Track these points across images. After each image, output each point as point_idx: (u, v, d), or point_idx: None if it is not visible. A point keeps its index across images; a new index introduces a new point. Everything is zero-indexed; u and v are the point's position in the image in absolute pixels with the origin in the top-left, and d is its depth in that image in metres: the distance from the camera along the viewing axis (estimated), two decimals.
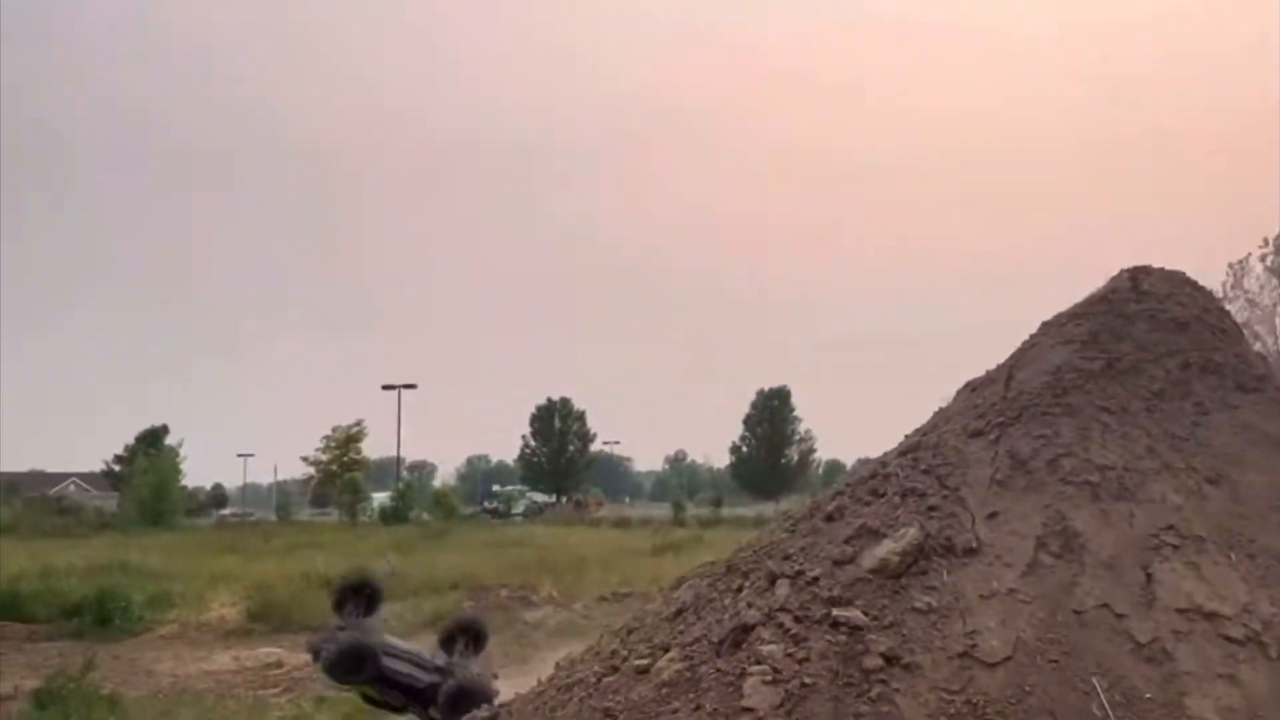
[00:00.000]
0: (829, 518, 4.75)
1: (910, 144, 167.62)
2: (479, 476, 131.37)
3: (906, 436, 5.38)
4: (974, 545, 4.28)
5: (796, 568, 4.41)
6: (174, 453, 56.65)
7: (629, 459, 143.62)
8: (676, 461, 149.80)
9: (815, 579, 4.28)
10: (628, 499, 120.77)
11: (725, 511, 59.63)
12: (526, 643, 14.72)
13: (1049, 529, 4.29)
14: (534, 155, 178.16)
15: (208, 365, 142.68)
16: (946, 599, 4.07)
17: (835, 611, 4.02)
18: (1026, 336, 5.58)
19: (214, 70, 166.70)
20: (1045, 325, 5.51)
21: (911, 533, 4.32)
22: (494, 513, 68.94)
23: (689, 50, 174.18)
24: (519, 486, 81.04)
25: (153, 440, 63.09)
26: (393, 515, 52.59)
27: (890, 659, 3.80)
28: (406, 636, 15.93)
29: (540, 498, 75.69)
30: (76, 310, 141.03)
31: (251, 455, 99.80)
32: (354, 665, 5.91)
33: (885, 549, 4.29)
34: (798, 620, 4.07)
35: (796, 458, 76.73)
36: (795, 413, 76.41)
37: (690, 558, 23.49)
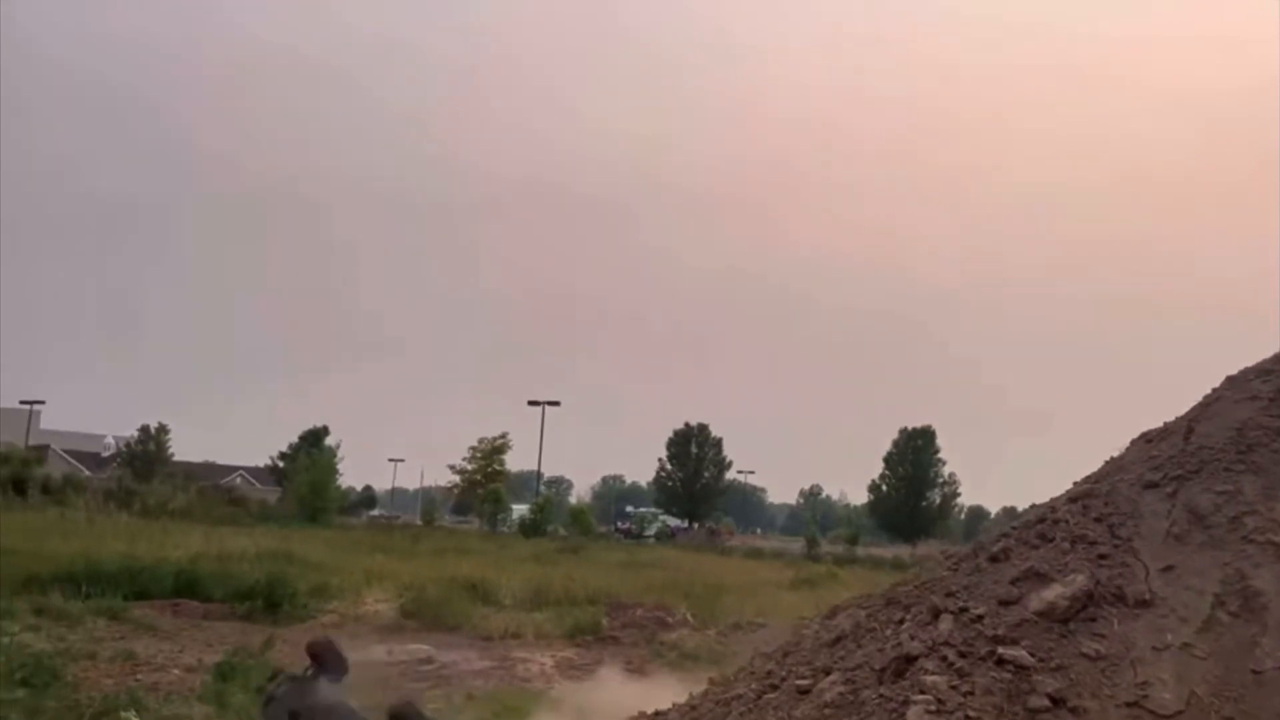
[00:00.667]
0: (994, 558, 4.82)
1: (1068, 174, 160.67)
2: (613, 496, 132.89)
3: (1076, 484, 5.37)
4: (1146, 597, 4.28)
5: (960, 604, 4.50)
6: (332, 453, 59.88)
7: (762, 489, 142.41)
8: (811, 496, 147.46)
9: (980, 616, 4.37)
10: (759, 530, 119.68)
11: (860, 550, 58.36)
12: (662, 662, 14.92)
13: (1228, 587, 4.24)
14: (685, 185, 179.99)
15: (368, 373, 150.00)
16: (1116, 647, 4.09)
17: (1001, 650, 4.10)
18: (1208, 391, 5.48)
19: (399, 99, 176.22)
20: (1230, 380, 5.40)
21: (1081, 579, 4.35)
22: (627, 533, 69.64)
23: (826, 86, 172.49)
24: (652, 509, 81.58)
25: (314, 440, 66.79)
26: (531, 528, 53.92)
27: (1057, 701, 3.85)
28: (549, 645, 16.48)
29: (673, 522, 75.97)
30: (249, 316, 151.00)
31: (401, 461, 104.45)
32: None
33: (1054, 593, 4.34)
34: (962, 655, 4.17)
35: (938, 501, 74.36)
36: (939, 455, 74.19)
37: (827, 594, 23.23)
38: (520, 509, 64.25)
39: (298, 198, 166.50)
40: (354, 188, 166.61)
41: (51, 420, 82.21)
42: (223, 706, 9.57)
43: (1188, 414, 5.37)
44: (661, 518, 75.66)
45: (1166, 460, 4.98)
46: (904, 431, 74.58)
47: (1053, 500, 5.23)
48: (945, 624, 4.40)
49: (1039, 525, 4.89)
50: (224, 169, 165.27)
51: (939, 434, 74.77)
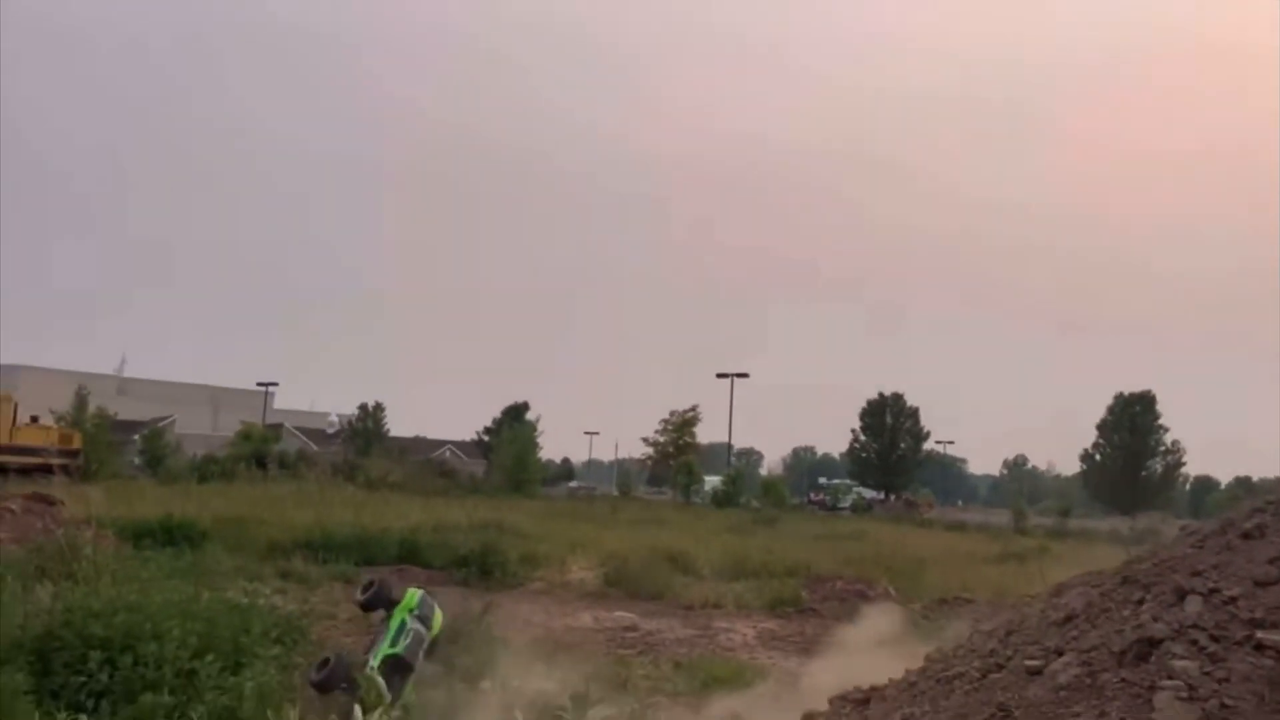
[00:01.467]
0: (1247, 535, 4.44)
1: None
2: (804, 468, 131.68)
3: None
4: None
5: (1210, 585, 4.19)
6: (533, 427, 62.49)
7: (963, 460, 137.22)
8: (1016, 466, 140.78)
9: (1233, 598, 4.05)
10: (960, 502, 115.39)
11: (1072, 523, 55.17)
12: (864, 636, 14.69)
13: None
14: (860, 149, 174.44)
15: (564, 348, 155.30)
16: None
17: (1260, 634, 3.79)
18: None
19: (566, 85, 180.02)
20: None
21: None
22: (820, 504, 68.90)
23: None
24: (846, 481, 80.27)
25: (516, 415, 69.91)
26: (724, 499, 54.31)
27: None
28: (748, 615, 16.57)
29: (868, 493, 74.49)
30: (450, 298, 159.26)
31: (597, 434, 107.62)
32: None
33: None
34: (1214, 639, 3.88)
35: (1160, 471, 69.17)
36: (1160, 421, 68.92)
37: (1037, 569, 22.16)
38: (712, 480, 64.84)
39: (498, 173, 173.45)
40: (544, 161, 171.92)
41: (283, 400, 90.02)
42: (449, 667, 10.22)
43: None
44: (856, 489, 74.34)
45: None
46: (1120, 397, 69.78)
47: None
48: (1193, 605, 4.10)
49: None
50: (430, 144, 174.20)
51: (1159, 400, 69.43)
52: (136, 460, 51.65)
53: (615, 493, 64.02)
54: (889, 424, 78.61)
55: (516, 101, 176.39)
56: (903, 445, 78.44)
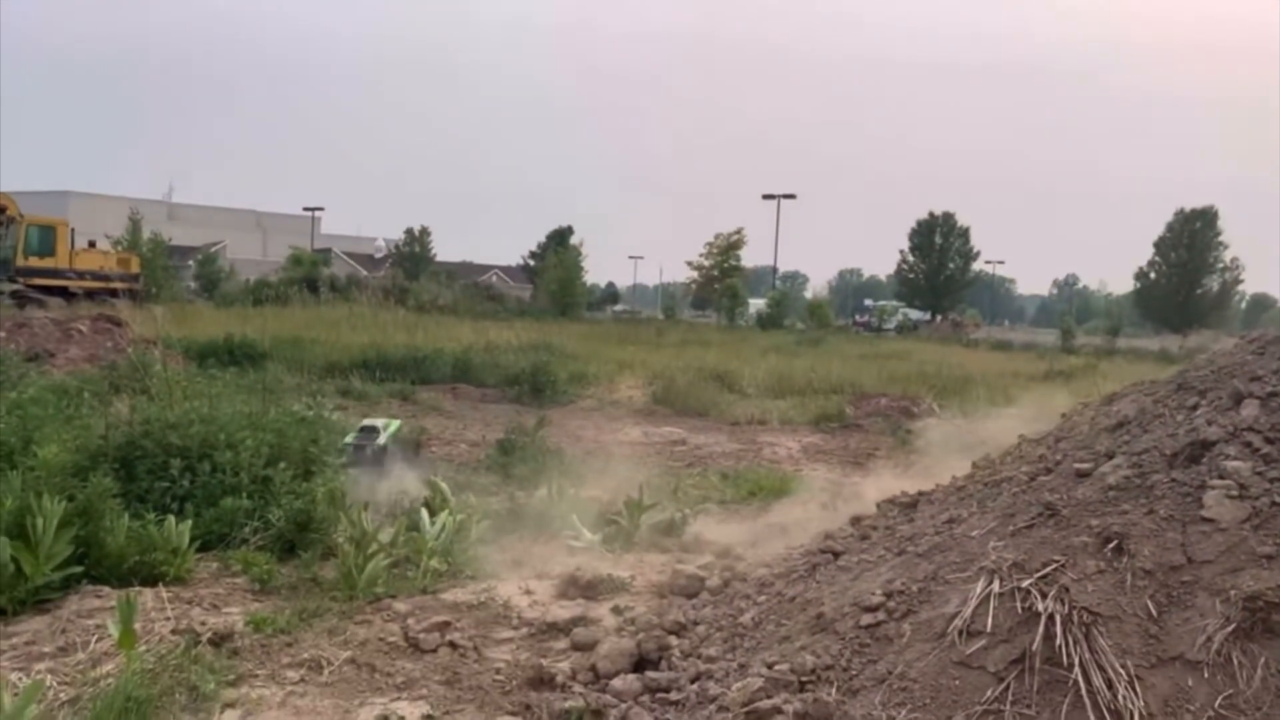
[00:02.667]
0: None
1: None
2: (850, 290, 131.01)
3: None
4: None
5: (1269, 389, 4.17)
6: (577, 252, 62.46)
7: (1012, 280, 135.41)
8: (1066, 286, 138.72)
9: None
10: (1007, 322, 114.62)
11: (1121, 342, 54.73)
12: (909, 449, 15.00)
13: None
14: None
15: (607, 173, 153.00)
16: None
17: None
18: None
19: None
20: None
21: None
22: (865, 326, 68.93)
23: None
24: (892, 302, 79.88)
25: (560, 240, 69.79)
26: (769, 321, 54.52)
27: None
28: (794, 431, 16.94)
29: (915, 314, 74.25)
30: (500, 126, 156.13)
31: (641, 258, 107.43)
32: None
33: None
34: (1269, 441, 3.91)
35: (1216, 288, 67.78)
36: (1220, 238, 66.93)
37: (1084, 386, 22.17)
38: (757, 303, 64.87)
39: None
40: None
41: (330, 225, 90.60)
42: (506, 476, 10.68)
43: None
44: (902, 310, 74.05)
45: None
46: (1180, 214, 67.59)
47: None
48: (1250, 409, 4.11)
49: None
50: None
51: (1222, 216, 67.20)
52: (192, 285, 52.84)
53: (660, 316, 64.43)
54: (938, 244, 77.32)
55: None
56: (951, 265, 77.39)
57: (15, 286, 32.36)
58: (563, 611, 5.99)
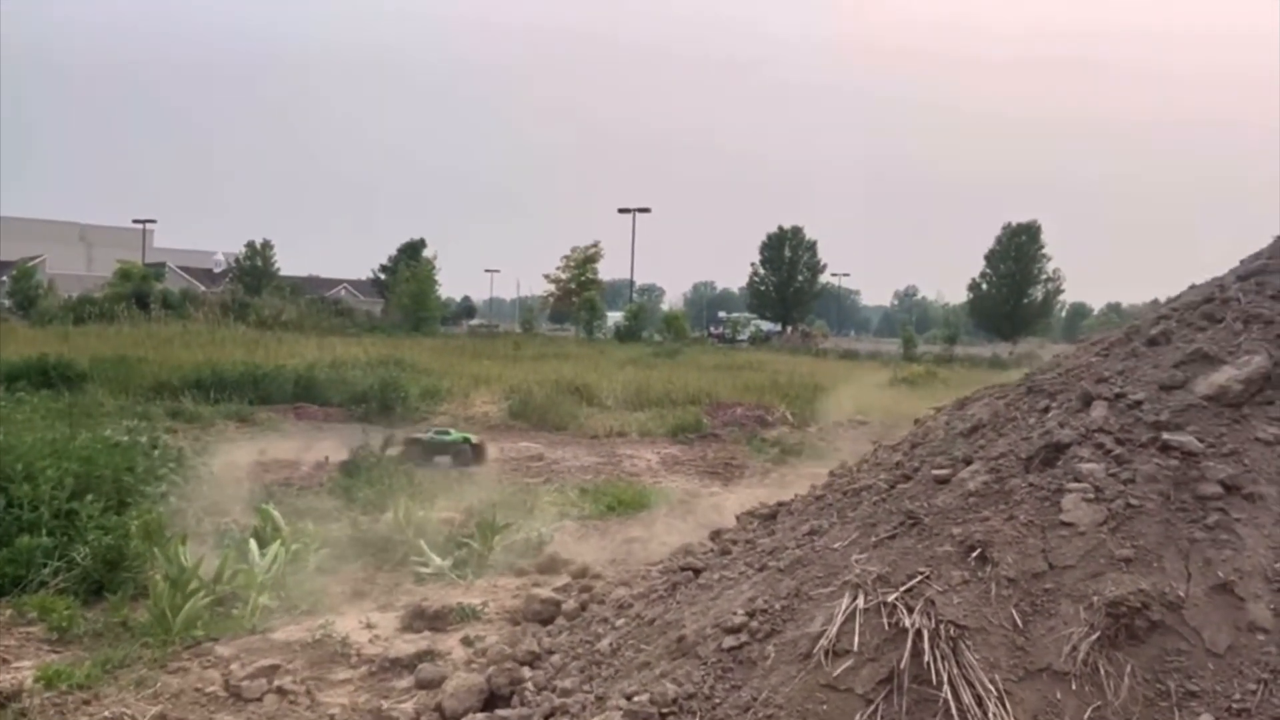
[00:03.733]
0: (1152, 342, 4.44)
1: None
2: (704, 302, 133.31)
3: (1243, 262, 4.88)
4: None
5: (1116, 390, 4.19)
6: (431, 265, 60.93)
7: (856, 292, 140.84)
8: (906, 297, 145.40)
9: (1139, 402, 4.06)
10: (852, 332, 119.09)
11: (958, 350, 57.58)
12: (766, 458, 15.11)
13: None
14: None
15: (462, 186, 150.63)
16: None
17: (1165, 436, 3.81)
18: None
19: None
20: None
21: (1258, 360, 3.97)
22: (720, 337, 70.06)
23: None
24: (745, 314, 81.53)
25: (412, 253, 67.94)
26: (626, 334, 54.64)
27: (1230, 488, 3.57)
28: (652, 442, 16.80)
29: (766, 326, 76.00)
30: (348, 133, 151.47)
31: (498, 271, 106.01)
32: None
33: (1225, 375, 3.98)
34: (1120, 442, 3.90)
35: (1040, 298, 72.22)
36: (1043, 250, 71.40)
37: (927, 392, 23.03)
38: (615, 316, 64.98)
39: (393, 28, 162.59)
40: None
41: (163, 239, 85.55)
42: (351, 500, 10.05)
43: None
44: (755, 322, 75.73)
45: None
46: (1008, 227, 71.87)
47: (1218, 279, 4.77)
48: (1099, 410, 4.10)
49: (1204, 305, 4.47)
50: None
51: (1044, 230, 71.83)
52: (6, 302, 48.75)
53: (518, 330, 63.67)
54: (787, 257, 79.41)
55: None
56: (800, 278, 79.58)
57: None
58: (407, 646, 5.55)
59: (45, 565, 6.45)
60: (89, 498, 6.91)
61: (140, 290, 43.26)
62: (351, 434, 15.52)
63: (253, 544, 6.73)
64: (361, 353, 26.57)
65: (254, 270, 68.98)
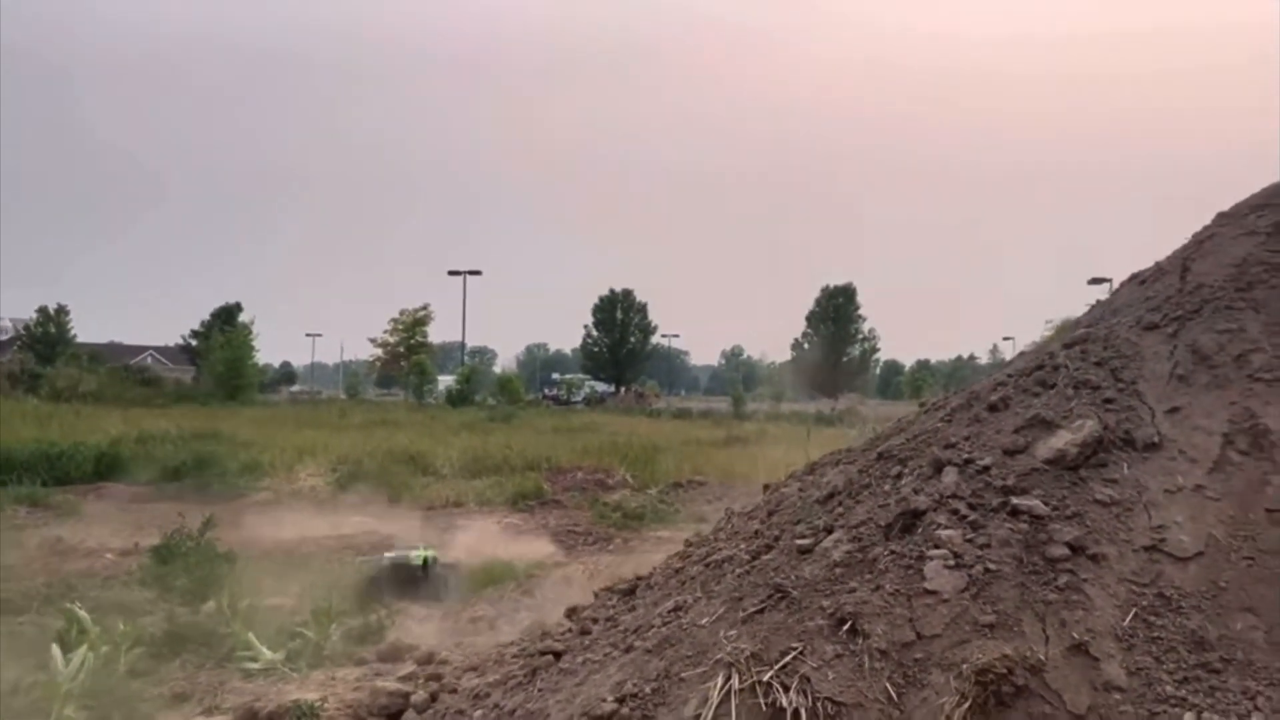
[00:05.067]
0: (993, 408, 4.64)
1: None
2: (537, 364, 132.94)
3: (1067, 327, 5.22)
4: (1155, 440, 4.16)
5: (964, 456, 4.33)
6: (247, 330, 58.08)
7: (685, 352, 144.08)
8: (733, 356, 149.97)
9: (986, 468, 4.21)
10: (683, 392, 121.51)
11: (784, 407, 59.69)
12: (609, 522, 15.00)
13: (1236, 426, 4.13)
14: (597, 52, 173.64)
15: (279, 247, 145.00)
16: (1129, 492, 3.98)
17: (1014, 500, 3.95)
18: (1198, 229, 5.32)
19: None
20: (1222, 216, 5.23)
21: (1090, 425, 4.20)
22: (555, 400, 69.94)
23: None
24: (579, 375, 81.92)
25: (227, 317, 64.67)
26: (459, 398, 53.64)
27: (1076, 549, 3.73)
28: (491, 512, 16.39)
29: (601, 387, 76.52)
30: (153, 192, 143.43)
31: (320, 335, 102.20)
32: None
33: (1062, 440, 4.19)
34: (972, 507, 4.02)
35: (858, 356, 76.20)
36: (859, 311, 75.58)
37: (760, 451, 23.63)
38: (446, 380, 63.76)
39: (220, 56, 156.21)
40: (273, 50, 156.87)
41: None
42: (166, 589, 9.23)
43: (1180, 252, 5.20)
44: (589, 383, 76.14)
45: (1164, 301, 4.82)
46: (826, 290, 75.72)
47: (1046, 346, 5.07)
48: (950, 476, 4.23)
49: (1037, 372, 4.72)
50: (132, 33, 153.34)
51: (859, 291, 76.04)
52: None
53: (343, 396, 61.40)
54: (619, 319, 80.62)
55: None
56: (632, 339, 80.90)
57: None
58: None
59: None
60: None
61: None
62: (163, 515, 14.37)
63: (55, 650, 6.00)
64: (172, 425, 24.80)
65: (46, 337, 63.76)
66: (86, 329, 72.20)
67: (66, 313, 67.77)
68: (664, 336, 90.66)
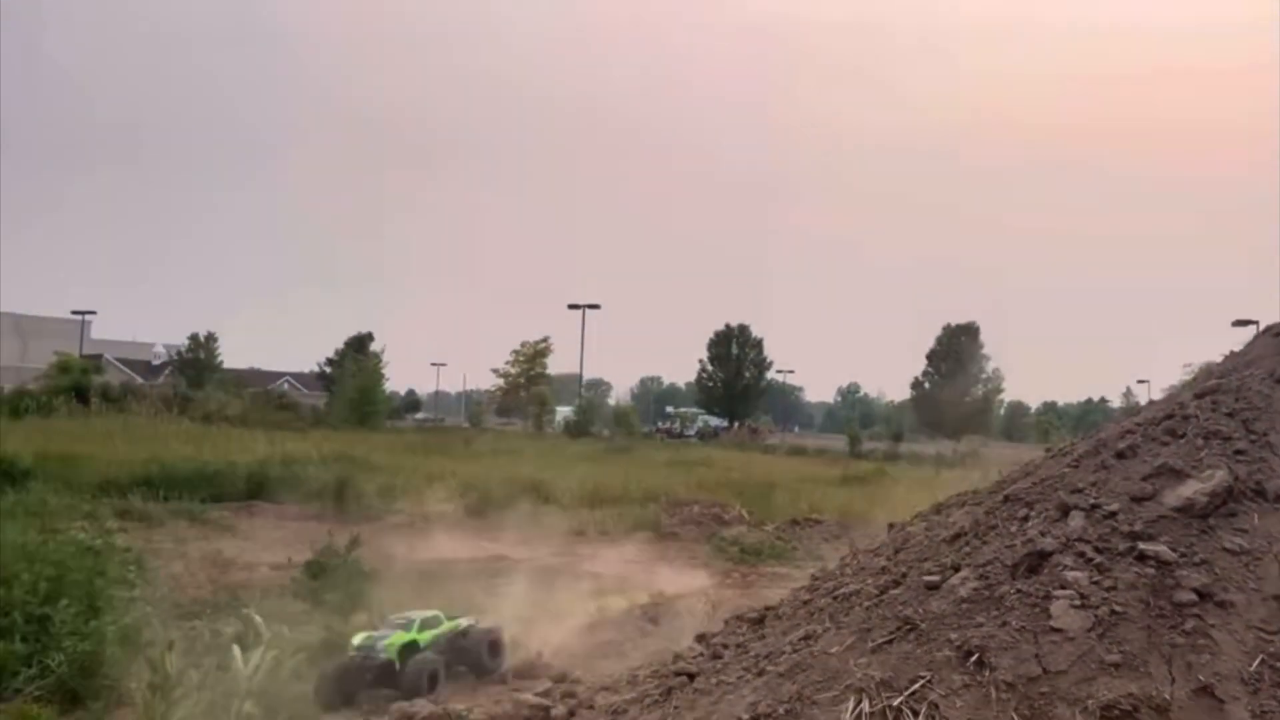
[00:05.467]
0: (1120, 455, 4.77)
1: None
2: (651, 397, 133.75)
3: (1203, 375, 5.29)
4: None
5: (1091, 501, 4.48)
6: (378, 359, 60.63)
7: (800, 388, 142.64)
8: (849, 393, 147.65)
9: (1113, 513, 4.35)
10: (796, 428, 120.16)
11: (903, 447, 58.50)
12: (727, 556, 15.22)
13: None
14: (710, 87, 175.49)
15: (410, 278, 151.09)
16: (1259, 542, 4.07)
17: (1141, 545, 4.09)
18: None
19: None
20: None
21: (1220, 474, 4.30)
22: (668, 433, 70.35)
23: None
24: (693, 409, 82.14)
25: (359, 346, 67.57)
26: (576, 429, 54.66)
27: (1203, 595, 3.85)
28: (612, 542, 16.82)
29: (714, 421, 76.57)
30: (292, 226, 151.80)
31: (444, 365, 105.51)
32: None
33: (1191, 489, 4.30)
34: (1099, 550, 4.17)
35: (981, 396, 74.02)
36: (983, 350, 73.57)
37: (879, 491, 23.42)
38: (564, 410, 65.00)
39: (340, 112, 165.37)
40: (389, 104, 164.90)
41: (101, 330, 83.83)
42: (318, 602, 9.94)
43: None
44: (702, 417, 76.24)
45: None
46: (948, 328, 73.92)
47: (1177, 396, 5.16)
48: (1076, 520, 4.39)
49: (1166, 421, 4.83)
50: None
51: (983, 330, 74.03)
52: None
53: (465, 424, 63.31)
54: (735, 354, 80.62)
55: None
56: (747, 374, 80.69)
57: None
58: None
59: (18, 673, 6.31)
60: (63, 602, 6.81)
61: (79, 383, 42.31)
62: (309, 532, 15.34)
63: (236, 650, 6.66)
64: (311, 448, 26.24)
65: (196, 363, 67.93)
66: (232, 355, 76.57)
67: (215, 339, 72.18)
68: (779, 372, 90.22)
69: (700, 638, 6.20)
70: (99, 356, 67.95)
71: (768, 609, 5.87)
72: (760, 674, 4.70)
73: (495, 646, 9.02)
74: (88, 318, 77.74)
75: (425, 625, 8.50)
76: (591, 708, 5.89)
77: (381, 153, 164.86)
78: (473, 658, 8.77)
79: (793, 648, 4.80)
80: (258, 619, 7.35)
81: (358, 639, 8.14)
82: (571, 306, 69.09)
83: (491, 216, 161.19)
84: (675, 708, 4.94)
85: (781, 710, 4.18)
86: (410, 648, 8.11)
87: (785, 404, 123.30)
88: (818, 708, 4.06)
